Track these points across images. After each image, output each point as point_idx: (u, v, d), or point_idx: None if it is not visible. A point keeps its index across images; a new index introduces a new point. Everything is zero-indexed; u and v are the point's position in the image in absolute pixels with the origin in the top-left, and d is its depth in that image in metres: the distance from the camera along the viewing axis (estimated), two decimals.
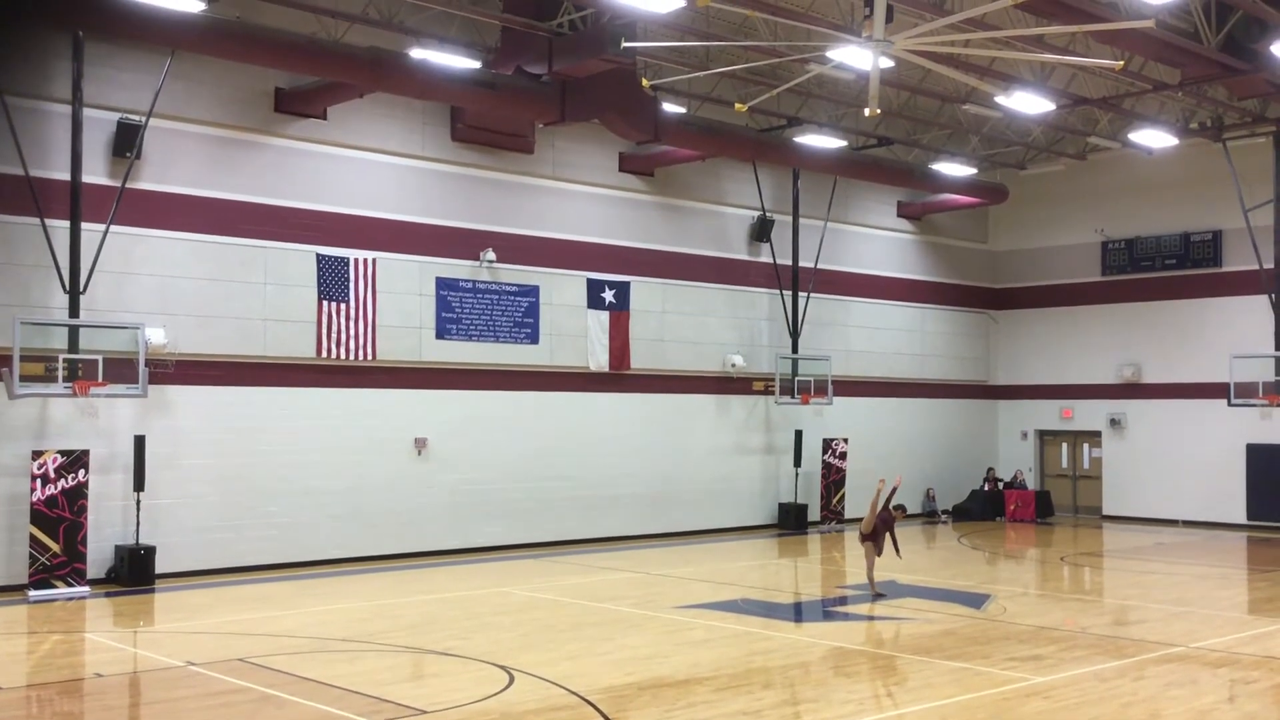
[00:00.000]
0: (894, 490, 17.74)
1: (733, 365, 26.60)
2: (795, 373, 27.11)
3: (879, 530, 17.43)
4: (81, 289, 17.72)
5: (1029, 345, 32.39)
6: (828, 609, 17.37)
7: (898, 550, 17.99)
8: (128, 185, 18.32)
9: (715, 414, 26.54)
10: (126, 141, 18.31)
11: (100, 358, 17.53)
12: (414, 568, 20.44)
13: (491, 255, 22.63)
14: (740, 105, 15.54)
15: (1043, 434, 32.28)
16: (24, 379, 16.86)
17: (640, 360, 25.07)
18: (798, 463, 27.20)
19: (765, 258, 27.46)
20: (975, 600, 17.11)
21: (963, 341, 32.31)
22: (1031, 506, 29.95)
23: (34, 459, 17.10)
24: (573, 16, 18.56)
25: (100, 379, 17.44)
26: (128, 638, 14.67)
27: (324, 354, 20.53)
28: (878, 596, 17.13)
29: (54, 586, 17.05)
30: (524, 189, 23.35)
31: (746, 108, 15.68)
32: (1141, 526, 28.69)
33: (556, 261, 23.77)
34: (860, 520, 18.22)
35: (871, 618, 15.86)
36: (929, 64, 13.65)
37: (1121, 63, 13.61)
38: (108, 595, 17.37)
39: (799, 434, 27.29)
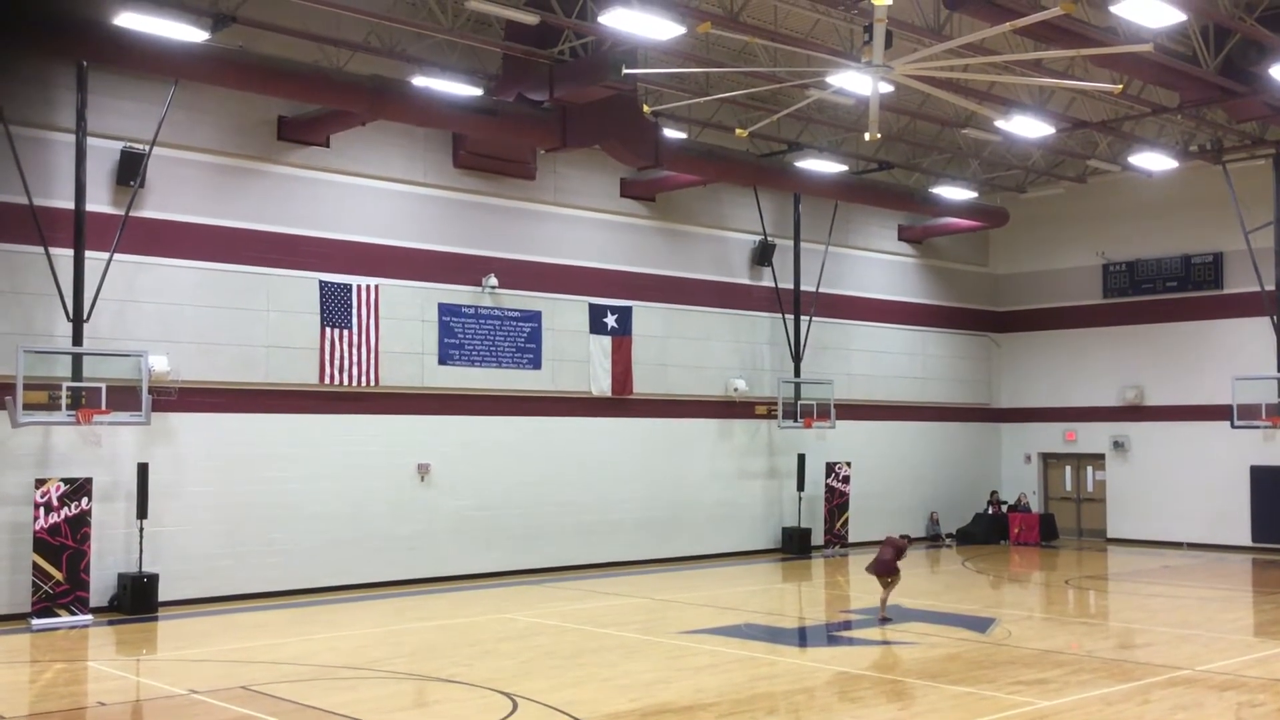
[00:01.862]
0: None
1: (735, 389, 26.60)
2: (798, 396, 27.11)
3: (892, 559, 17.59)
4: (85, 317, 17.76)
5: (1031, 368, 32.38)
6: (832, 634, 17.33)
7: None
8: (131, 213, 18.39)
9: (717, 438, 26.53)
10: (130, 170, 18.39)
11: (103, 385, 17.54)
12: (416, 594, 20.40)
13: (494, 281, 22.68)
14: (741, 130, 15.61)
15: (1046, 457, 32.23)
16: (27, 407, 16.87)
17: (642, 385, 25.08)
18: (801, 487, 27.16)
19: (767, 282, 27.50)
20: (980, 624, 17.05)
21: (965, 364, 32.32)
22: (1035, 530, 29.87)
23: (37, 487, 17.09)
24: (574, 44, 18.67)
25: (103, 407, 17.45)
26: (130, 666, 14.64)
27: (327, 380, 20.55)
28: (884, 620, 17.09)
29: (57, 615, 17.02)
30: (526, 215, 23.42)
31: (747, 133, 15.73)
32: (1146, 549, 28.61)
33: (558, 287, 23.81)
34: (872, 551, 18.38)
35: (876, 642, 15.80)
36: (928, 89, 13.73)
37: (1120, 86, 13.67)
38: (110, 623, 17.32)
39: (802, 458, 27.26)
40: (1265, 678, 13.40)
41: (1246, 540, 27.84)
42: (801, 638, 17.09)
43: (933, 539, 30.36)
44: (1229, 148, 25.91)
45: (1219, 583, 22.69)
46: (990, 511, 31.04)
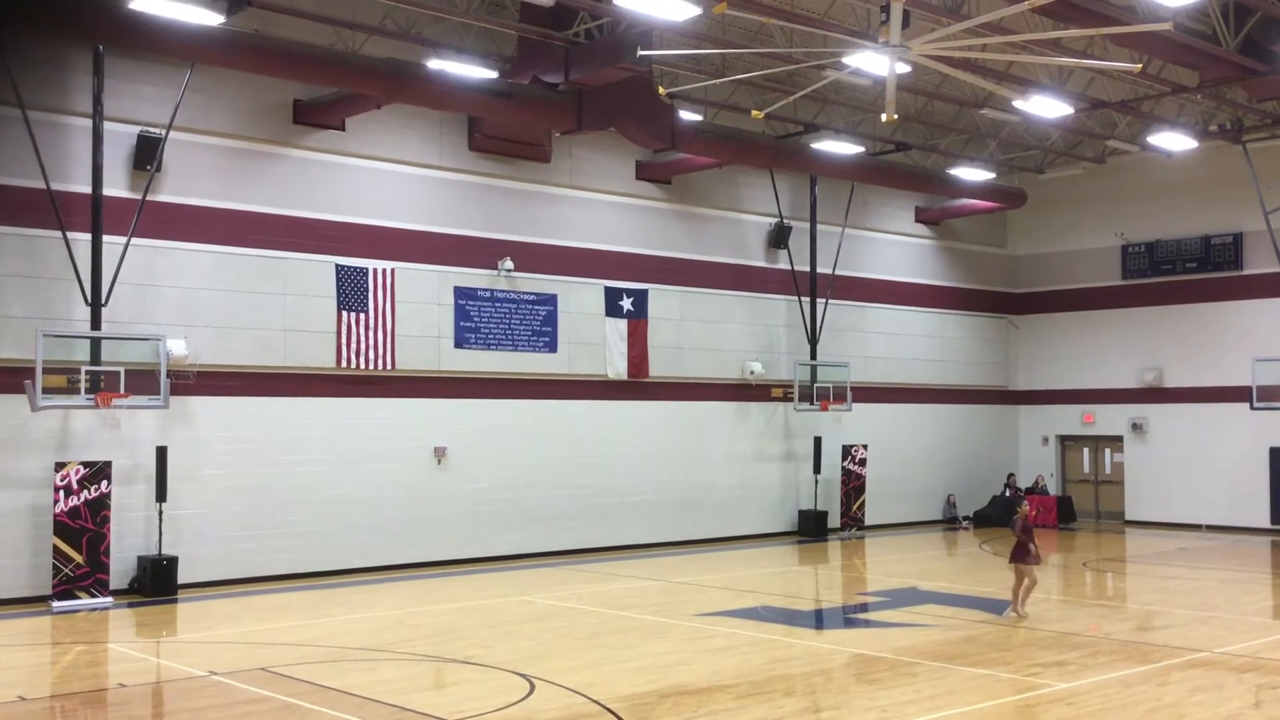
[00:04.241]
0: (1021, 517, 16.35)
1: (751, 372, 26.56)
2: (814, 379, 27.06)
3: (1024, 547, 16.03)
4: (103, 301, 17.82)
5: (1049, 350, 32.24)
6: (849, 616, 17.32)
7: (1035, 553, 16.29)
8: (148, 198, 18.44)
9: (734, 421, 26.51)
10: (147, 154, 18.43)
11: (122, 369, 17.61)
12: (434, 577, 20.47)
13: (509, 264, 22.67)
14: (757, 112, 15.52)
15: (1064, 439, 32.12)
16: (46, 391, 16.96)
17: (659, 368, 25.07)
18: (817, 469, 27.13)
19: (783, 264, 27.43)
20: (997, 606, 17.01)
21: (982, 347, 32.20)
22: (1053, 512, 29.79)
23: (57, 470, 17.19)
24: (589, 25, 18.61)
25: (122, 390, 17.53)
26: (151, 648, 14.73)
27: (343, 364, 20.60)
28: (1016, 616, 15.90)
29: (77, 597, 17.13)
30: (541, 198, 23.40)
31: (763, 114, 15.65)
32: (1164, 531, 28.51)
33: (574, 270, 23.80)
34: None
35: (893, 625, 15.78)
36: (946, 69, 13.63)
37: (1139, 65, 13.55)
38: (130, 606, 17.43)
39: (818, 440, 27.23)
40: None
41: (1266, 522, 27.70)
42: (818, 620, 17.09)
43: (949, 521, 30.31)
44: (1249, 127, 25.70)
45: (1238, 565, 22.60)
46: (1008, 494, 30.96)
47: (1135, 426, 30.37)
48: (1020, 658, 13.33)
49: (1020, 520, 16.36)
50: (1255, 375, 25.85)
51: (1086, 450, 31.71)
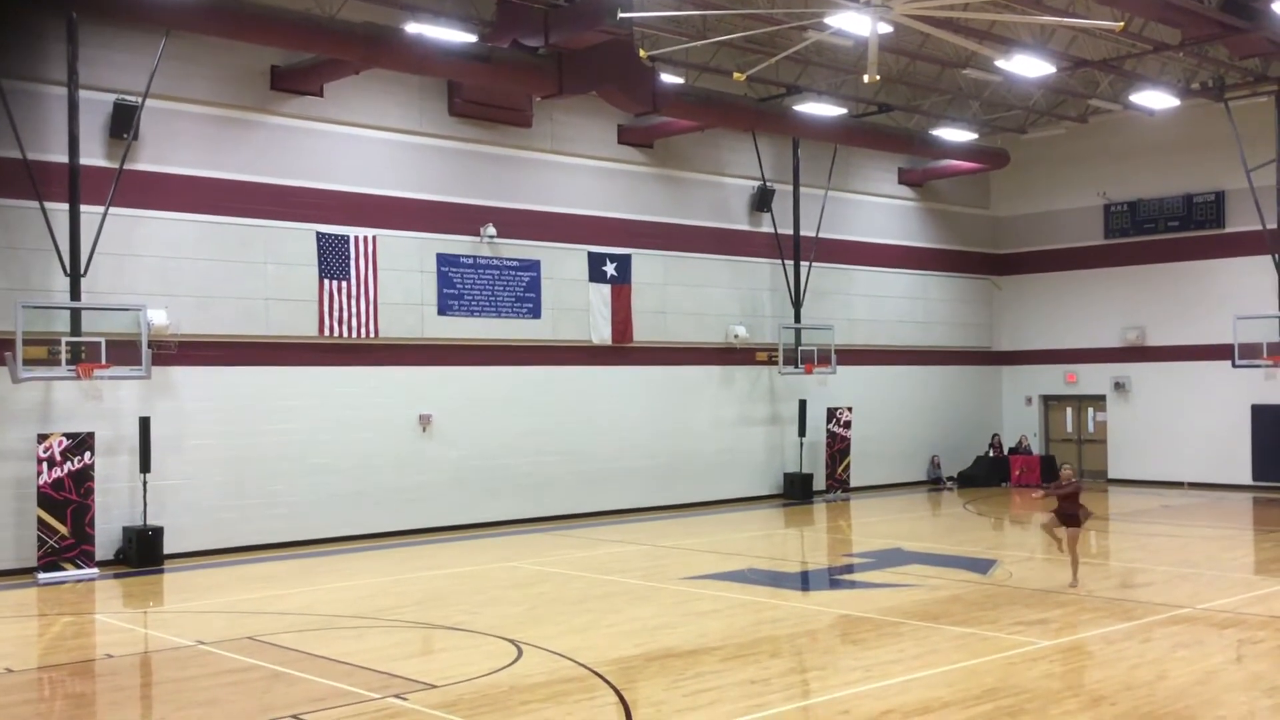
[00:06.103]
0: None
1: (735, 336, 26.56)
2: (798, 342, 27.09)
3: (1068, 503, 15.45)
4: (82, 271, 17.69)
5: (1032, 310, 32.32)
6: (834, 577, 17.42)
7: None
8: (126, 167, 18.27)
9: (719, 385, 26.53)
10: (123, 123, 18.24)
11: (103, 340, 17.52)
12: (420, 544, 20.50)
13: (492, 230, 22.57)
14: (739, 74, 15.44)
15: (1047, 399, 32.27)
16: (27, 362, 16.87)
17: (643, 333, 25.04)
18: (802, 432, 27.20)
19: (766, 228, 27.38)
20: (981, 565, 17.14)
21: (966, 308, 32.25)
22: (1036, 471, 29.97)
23: (39, 442, 17.12)
24: None
25: (103, 361, 17.45)
26: (137, 618, 14.73)
27: (326, 332, 20.52)
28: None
29: (63, 569, 17.10)
30: (523, 163, 23.27)
31: (745, 77, 15.57)
32: (1147, 489, 28.71)
33: (557, 235, 23.71)
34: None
35: (878, 585, 15.87)
36: (928, 28, 13.58)
37: (1122, 24, 13.52)
38: (116, 576, 17.43)
39: (803, 403, 27.28)
40: (1265, 615, 13.48)
41: (1247, 479, 27.92)
42: (804, 581, 17.18)
43: (934, 482, 30.47)
44: (1231, 85, 25.68)
45: (1219, 521, 22.79)
46: (991, 454, 31.13)
47: (1118, 386, 30.51)
48: (1004, 616, 13.42)
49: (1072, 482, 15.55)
50: (1237, 333, 25.98)
51: (1069, 410, 31.86)
